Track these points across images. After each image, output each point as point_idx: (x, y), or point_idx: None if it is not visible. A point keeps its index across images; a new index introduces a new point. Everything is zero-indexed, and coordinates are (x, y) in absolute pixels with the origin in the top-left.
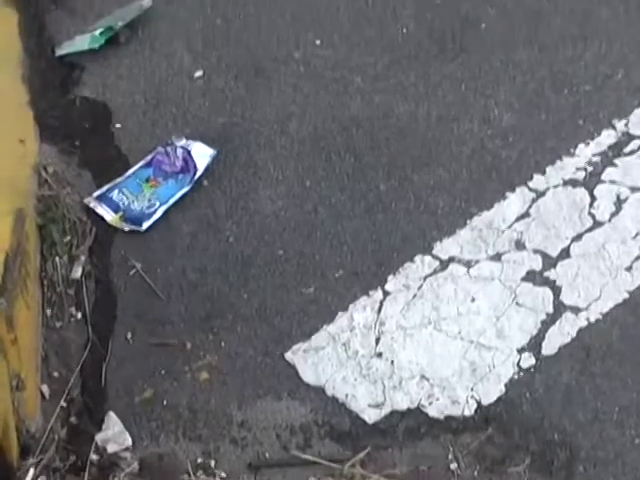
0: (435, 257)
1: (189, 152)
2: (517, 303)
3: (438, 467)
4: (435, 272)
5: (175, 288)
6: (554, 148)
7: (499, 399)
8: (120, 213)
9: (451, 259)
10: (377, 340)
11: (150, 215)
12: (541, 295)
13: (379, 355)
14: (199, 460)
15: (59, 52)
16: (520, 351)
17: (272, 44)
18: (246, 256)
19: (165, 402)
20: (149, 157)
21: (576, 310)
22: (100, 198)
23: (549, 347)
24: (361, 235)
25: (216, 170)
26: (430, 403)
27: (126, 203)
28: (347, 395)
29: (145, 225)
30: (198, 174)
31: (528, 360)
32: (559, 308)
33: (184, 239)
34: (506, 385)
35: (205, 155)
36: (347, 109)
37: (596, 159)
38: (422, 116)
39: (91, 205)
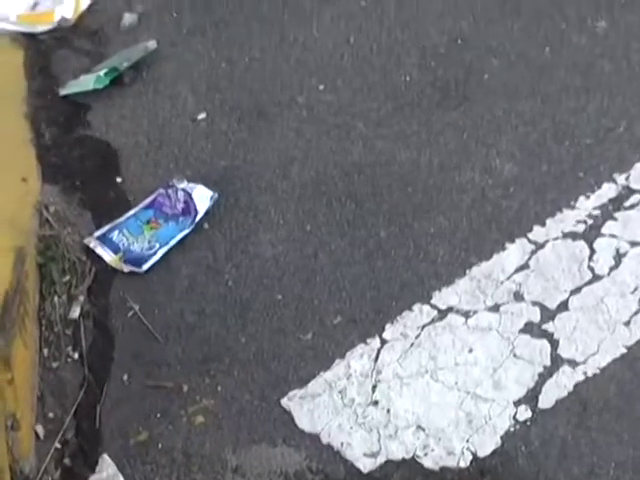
0: (433, 306)
1: (190, 195)
2: (514, 355)
3: None
4: (433, 321)
5: (173, 330)
6: (554, 200)
7: (495, 451)
8: (120, 254)
9: (449, 309)
10: (373, 388)
11: (150, 257)
12: (539, 347)
13: (375, 403)
14: None
15: (64, 91)
16: (517, 403)
17: (276, 88)
18: (245, 300)
19: (160, 445)
20: (150, 199)
21: (573, 364)
22: (100, 239)
23: (546, 400)
24: (360, 282)
25: (217, 213)
26: (425, 454)
27: (126, 244)
28: (342, 443)
29: (145, 267)
30: (199, 217)
31: (524, 413)
32: (556, 361)
33: (183, 281)
34: (502, 437)
35: (206, 198)
36: (349, 155)
37: (596, 212)
38: (424, 164)
39: (91, 245)
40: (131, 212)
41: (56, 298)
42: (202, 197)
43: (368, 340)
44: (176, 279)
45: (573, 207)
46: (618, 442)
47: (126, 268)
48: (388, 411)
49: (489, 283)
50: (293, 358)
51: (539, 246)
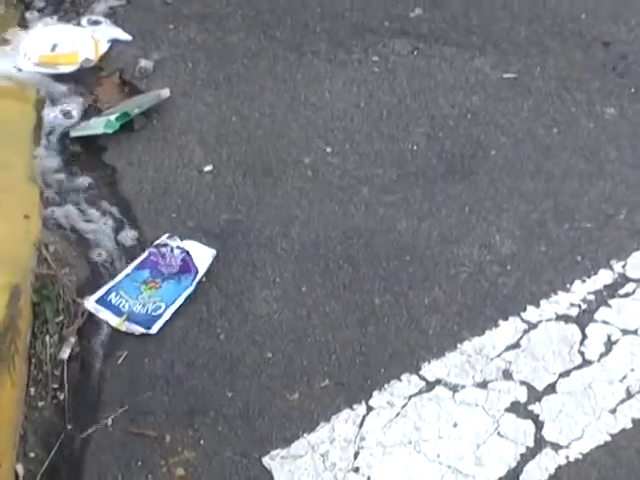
0: (422, 377)
1: (188, 253)
2: (499, 433)
3: None
4: (420, 392)
5: (161, 380)
6: (550, 281)
7: None
8: (124, 316)
9: (437, 381)
10: (356, 455)
11: (158, 317)
12: (523, 428)
13: (356, 470)
14: None
15: (73, 133)
16: None
17: (283, 146)
18: (235, 355)
19: None
20: (141, 258)
21: (557, 447)
22: (100, 302)
23: None
24: (351, 347)
25: (215, 266)
26: None
27: (126, 306)
28: None
29: (155, 328)
30: (200, 275)
31: None
32: (540, 443)
33: (176, 332)
34: None
35: (206, 255)
36: (351, 219)
37: (591, 297)
38: (423, 234)
39: (92, 310)
40: (123, 273)
41: (48, 337)
42: (201, 255)
43: (354, 406)
44: (169, 329)
45: (568, 290)
46: None
47: (137, 331)
48: (368, 478)
49: (479, 359)
50: (278, 417)
51: (532, 326)
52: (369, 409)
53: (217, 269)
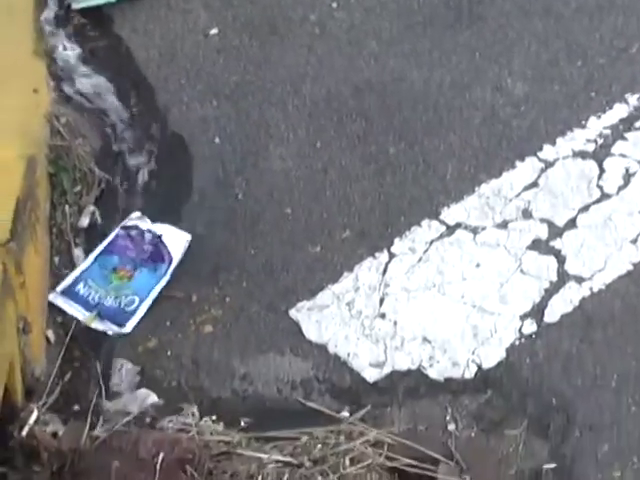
0: (442, 222)
1: (160, 238)
2: (521, 271)
3: (436, 427)
4: (441, 237)
5: None
6: (565, 119)
7: (499, 363)
8: (94, 312)
9: (458, 225)
10: (381, 301)
11: (132, 313)
12: (546, 264)
13: (382, 316)
14: (201, 409)
15: (76, 5)
16: (522, 317)
17: (288, 4)
18: (254, 213)
19: (169, 352)
20: (108, 240)
21: (580, 280)
22: (66, 293)
23: (551, 315)
24: (369, 197)
25: (227, 127)
26: (431, 365)
27: (96, 298)
28: (349, 354)
29: (129, 326)
30: (174, 265)
31: (530, 326)
32: (563, 277)
33: (193, 194)
34: (507, 350)
35: (181, 240)
36: (361, 72)
37: (607, 132)
38: (435, 82)
39: (57, 303)
40: (90, 258)
41: (67, 207)
42: (175, 241)
43: (376, 254)
44: (185, 191)
45: (584, 126)
46: (621, 355)
47: (109, 329)
48: (395, 323)
49: (498, 200)
50: (302, 270)
51: (549, 164)
52: (391, 256)
53: (230, 129)
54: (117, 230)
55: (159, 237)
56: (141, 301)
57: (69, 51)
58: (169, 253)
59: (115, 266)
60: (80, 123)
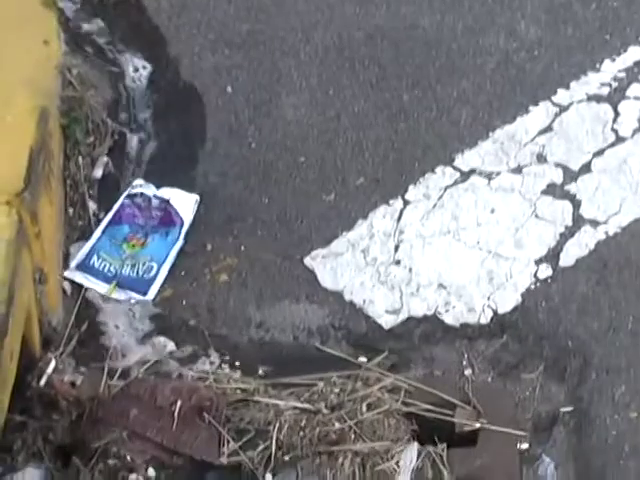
0: (456, 168)
1: (168, 202)
2: (536, 215)
3: (452, 372)
4: (456, 183)
5: (196, 191)
6: (579, 63)
7: (515, 308)
8: (114, 282)
9: (472, 171)
10: (396, 248)
11: (152, 280)
12: (561, 208)
13: (397, 262)
14: (218, 357)
15: None
16: (538, 262)
17: None
18: (268, 162)
19: (184, 302)
20: (114, 211)
21: (595, 223)
22: (81, 268)
23: (567, 259)
24: (383, 144)
25: (239, 76)
26: (447, 310)
27: (112, 270)
28: (365, 300)
29: (151, 293)
30: (186, 227)
31: (545, 271)
32: (578, 221)
33: (206, 144)
34: (522, 294)
35: (189, 202)
36: (372, 19)
37: (621, 75)
38: (448, 27)
39: (76, 279)
40: (98, 230)
41: (80, 159)
42: (184, 202)
43: (391, 201)
44: (199, 142)
45: (598, 70)
46: (637, 298)
47: (129, 297)
48: (410, 270)
49: (512, 145)
50: (316, 218)
51: (563, 109)
52: (405, 203)
53: (242, 78)
54: (122, 200)
55: (167, 201)
56: (159, 267)
57: (78, 3)
58: (179, 216)
59: (126, 236)
60: (91, 75)
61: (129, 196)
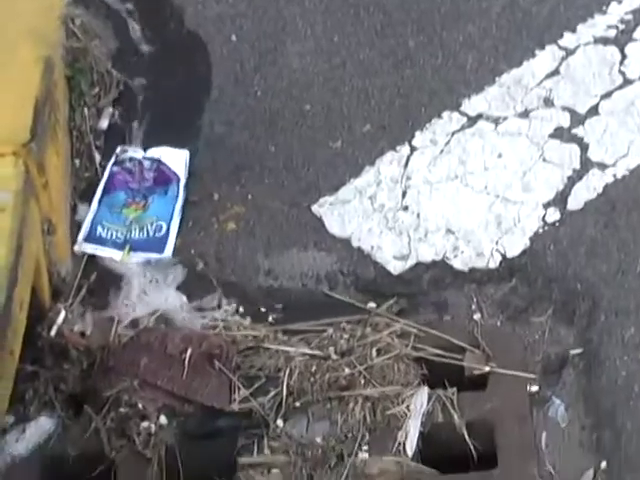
0: (463, 113)
1: (160, 161)
2: (544, 159)
3: (462, 317)
4: (463, 128)
5: (202, 141)
6: (586, 5)
7: (524, 252)
8: (127, 247)
9: (479, 115)
10: (403, 194)
11: (165, 237)
12: (568, 151)
13: (405, 208)
14: (227, 305)
15: None
16: (546, 206)
17: None
18: (273, 110)
19: (192, 251)
20: (104, 180)
21: (603, 166)
22: (90, 240)
23: (575, 202)
24: (389, 90)
25: (244, 25)
26: (455, 255)
27: (120, 236)
28: (373, 247)
29: (168, 250)
30: (183, 182)
31: (553, 214)
32: (586, 164)
33: (212, 92)
34: (531, 238)
35: (180, 158)
36: None
37: (628, 17)
38: None
39: (88, 251)
40: (94, 205)
41: (85, 109)
42: (175, 158)
43: (397, 147)
44: (204, 91)
45: (605, 12)
46: None
47: (146, 257)
48: (418, 215)
49: (519, 89)
50: (323, 166)
51: (569, 52)
52: (412, 149)
53: (247, 27)
54: (109, 169)
55: (158, 160)
56: (168, 223)
57: None
58: (174, 172)
59: (124, 202)
60: (95, 25)
61: (116, 163)
